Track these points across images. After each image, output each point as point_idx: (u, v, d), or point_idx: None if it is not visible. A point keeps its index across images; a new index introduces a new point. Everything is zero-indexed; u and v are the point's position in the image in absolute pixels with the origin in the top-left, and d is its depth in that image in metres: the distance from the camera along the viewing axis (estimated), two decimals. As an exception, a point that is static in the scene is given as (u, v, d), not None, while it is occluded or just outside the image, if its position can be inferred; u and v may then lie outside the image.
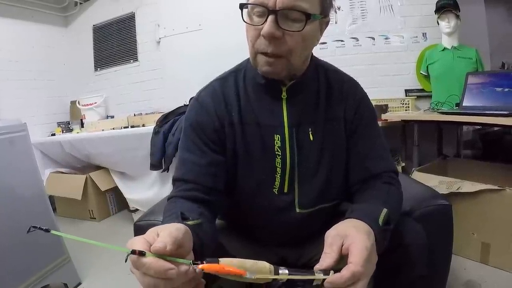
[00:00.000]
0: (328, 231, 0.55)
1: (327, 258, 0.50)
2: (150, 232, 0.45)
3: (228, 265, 0.43)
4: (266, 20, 0.60)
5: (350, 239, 0.51)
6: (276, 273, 0.47)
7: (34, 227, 0.45)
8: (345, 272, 0.48)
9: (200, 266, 0.42)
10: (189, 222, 0.55)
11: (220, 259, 0.44)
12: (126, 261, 0.40)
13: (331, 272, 0.49)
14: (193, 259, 0.47)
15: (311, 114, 0.74)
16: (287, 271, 0.48)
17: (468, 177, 1.56)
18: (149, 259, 0.40)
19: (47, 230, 0.44)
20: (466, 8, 2.15)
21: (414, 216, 0.81)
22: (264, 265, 0.46)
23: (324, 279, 0.49)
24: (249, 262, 0.45)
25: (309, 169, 0.74)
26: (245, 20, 0.65)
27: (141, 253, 0.39)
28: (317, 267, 0.50)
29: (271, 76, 0.67)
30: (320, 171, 0.74)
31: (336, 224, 0.56)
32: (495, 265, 1.45)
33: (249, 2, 0.63)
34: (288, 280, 0.48)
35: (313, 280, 0.49)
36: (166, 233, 0.43)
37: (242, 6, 0.64)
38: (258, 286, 0.60)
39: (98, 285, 1.63)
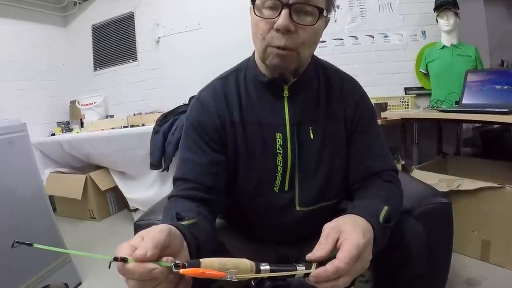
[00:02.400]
0: (326, 223, 0.56)
1: (320, 249, 0.51)
2: (136, 237, 0.46)
3: (209, 266, 0.44)
4: (279, 14, 0.61)
5: (345, 235, 0.52)
6: (258, 270, 0.48)
7: (17, 242, 0.47)
8: (329, 266, 0.48)
9: (181, 271, 0.43)
10: (184, 222, 0.56)
11: (201, 260, 0.45)
12: (109, 267, 0.41)
13: (313, 265, 0.50)
14: (188, 258, 0.48)
15: (311, 112, 0.74)
16: (268, 267, 0.49)
17: (468, 175, 1.56)
18: (132, 265, 0.41)
19: (30, 244, 0.46)
20: (465, 6, 2.15)
21: (414, 214, 0.81)
22: (245, 263, 0.47)
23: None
24: (229, 261, 0.46)
25: (310, 167, 0.74)
26: (256, 13, 0.64)
27: (123, 260, 0.41)
28: (309, 256, 0.51)
29: (280, 69, 0.67)
30: (321, 169, 0.75)
31: (336, 218, 0.57)
32: (495, 262, 1.45)
33: None
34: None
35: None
36: (149, 238, 0.44)
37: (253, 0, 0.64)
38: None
39: (99, 285, 1.63)
